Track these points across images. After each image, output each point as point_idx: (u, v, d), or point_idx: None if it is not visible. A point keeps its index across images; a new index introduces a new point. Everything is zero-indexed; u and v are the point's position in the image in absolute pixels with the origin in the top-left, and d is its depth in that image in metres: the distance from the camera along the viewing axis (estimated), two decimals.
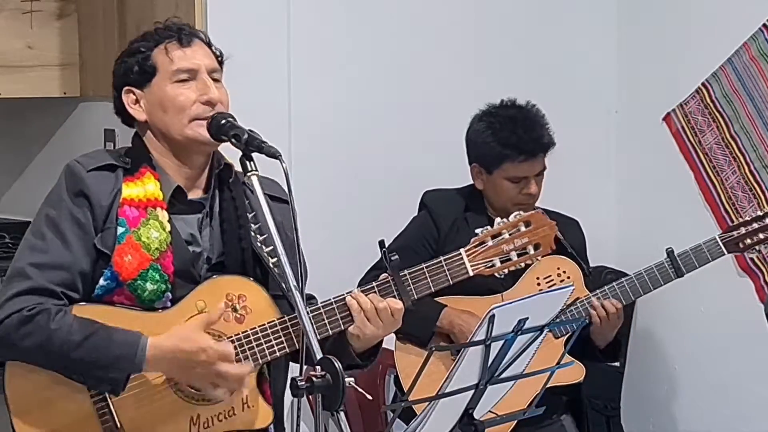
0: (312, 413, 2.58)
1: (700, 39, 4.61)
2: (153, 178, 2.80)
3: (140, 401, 2.74)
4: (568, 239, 3.92)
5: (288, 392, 2.52)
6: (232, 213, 2.85)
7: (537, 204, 3.91)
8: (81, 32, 4.78)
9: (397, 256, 2.87)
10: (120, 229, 2.75)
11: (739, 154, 4.50)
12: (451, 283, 2.92)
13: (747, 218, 3.81)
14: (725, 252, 3.77)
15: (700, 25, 4.61)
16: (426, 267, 2.90)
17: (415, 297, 2.88)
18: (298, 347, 2.78)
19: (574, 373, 3.77)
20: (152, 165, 2.83)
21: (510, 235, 2.93)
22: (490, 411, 3.00)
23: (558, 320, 2.95)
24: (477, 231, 2.93)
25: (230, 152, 2.81)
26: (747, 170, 4.48)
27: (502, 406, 3.03)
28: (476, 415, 2.93)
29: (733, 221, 4.49)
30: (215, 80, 2.84)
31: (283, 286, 2.80)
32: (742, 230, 3.76)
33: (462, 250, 2.92)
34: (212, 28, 4.23)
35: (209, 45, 2.89)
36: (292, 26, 4.37)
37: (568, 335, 3.67)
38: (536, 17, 4.83)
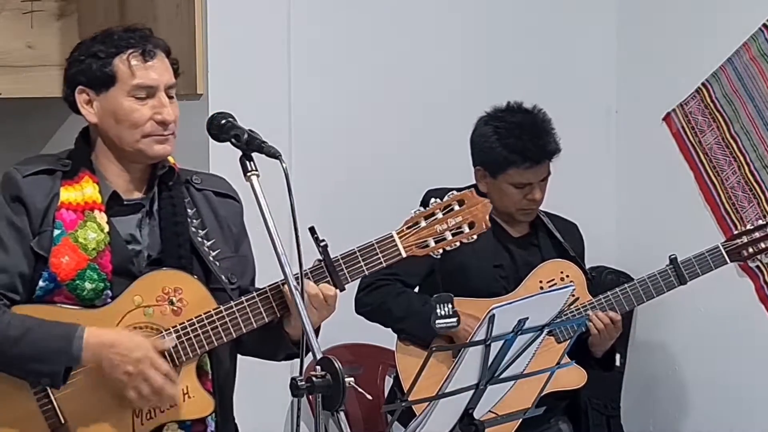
0: (312, 413, 2.59)
1: (700, 39, 4.61)
2: (91, 181, 2.85)
3: (83, 396, 2.77)
4: (567, 243, 3.92)
5: (291, 388, 2.51)
6: (170, 210, 2.89)
7: (540, 207, 3.91)
8: (81, 32, 4.77)
9: (326, 242, 2.84)
10: (56, 231, 2.79)
11: (739, 154, 4.50)
12: (384, 265, 2.89)
13: (750, 227, 3.82)
14: (728, 261, 3.78)
15: (700, 25, 4.61)
16: (358, 250, 2.88)
17: (349, 281, 2.88)
18: (235, 337, 2.82)
19: (576, 378, 3.76)
20: (92, 169, 2.88)
21: (443, 214, 2.92)
22: (490, 411, 3.00)
23: (558, 320, 2.94)
24: (412, 212, 2.93)
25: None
26: (747, 170, 4.48)
27: (502, 407, 3.03)
28: (476, 415, 2.93)
29: (733, 221, 4.49)
30: (170, 97, 2.88)
31: (223, 279, 2.87)
32: (745, 239, 3.78)
33: (393, 232, 2.91)
34: (212, 28, 4.23)
35: (168, 53, 2.91)
36: (292, 26, 4.37)
37: (568, 340, 3.66)
38: (536, 17, 4.83)
